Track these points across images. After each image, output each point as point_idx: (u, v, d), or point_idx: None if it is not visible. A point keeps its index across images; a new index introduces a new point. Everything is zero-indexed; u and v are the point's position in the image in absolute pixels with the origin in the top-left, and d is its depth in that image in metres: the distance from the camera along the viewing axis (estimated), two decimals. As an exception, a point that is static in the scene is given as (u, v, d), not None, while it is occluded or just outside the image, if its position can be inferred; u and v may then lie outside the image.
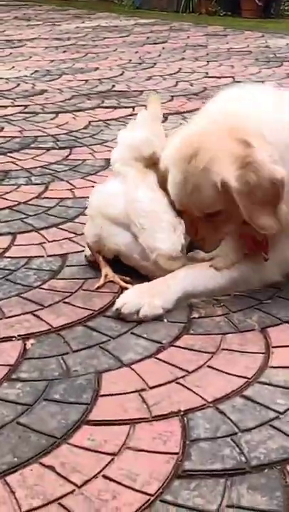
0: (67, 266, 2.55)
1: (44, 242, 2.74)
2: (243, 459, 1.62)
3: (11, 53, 7.09)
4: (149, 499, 1.50)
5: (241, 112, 2.30)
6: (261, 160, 2.17)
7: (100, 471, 1.58)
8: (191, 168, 2.23)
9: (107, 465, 1.60)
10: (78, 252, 2.63)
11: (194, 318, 2.23)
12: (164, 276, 2.31)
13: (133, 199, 2.39)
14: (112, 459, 1.62)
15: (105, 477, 1.56)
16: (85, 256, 2.55)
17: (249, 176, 2.16)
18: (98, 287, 2.38)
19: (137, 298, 2.22)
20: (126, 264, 2.45)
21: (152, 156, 2.44)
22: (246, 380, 1.91)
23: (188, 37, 8.38)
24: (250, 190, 2.17)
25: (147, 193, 2.39)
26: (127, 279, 2.40)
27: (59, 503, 1.49)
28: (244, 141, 2.19)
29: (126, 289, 2.33)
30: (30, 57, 6.88)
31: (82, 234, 2.59)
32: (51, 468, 1.59)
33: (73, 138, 4.14)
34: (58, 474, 1.57)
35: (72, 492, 1.52)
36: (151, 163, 2.44)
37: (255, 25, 9.46)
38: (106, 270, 2.42)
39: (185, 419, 1.75)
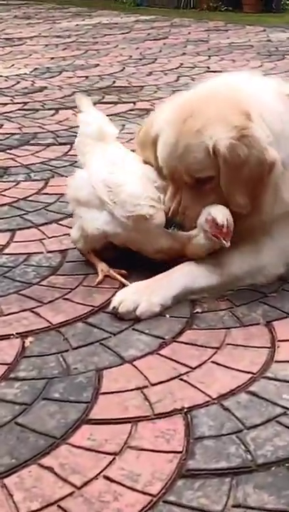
0: (67, 262, 2.50)
1: (44, 238, 2.69)
2: (249, 456, 1.56)
3: (10, 51, 7.04)
4: (151, 500, 1.44)
5: (245, 89, 2.26)
6: (258, 137, 2.12)
7: (101, 471, 1.53)
8: (185, 129, 2.18)
9: (107, 465, 1.54)
10: (78, 247, 2.58)
11: (197, 312, 2.17)
12: (161, 274, 2.24)
13: (96, 180, 2.37)
14: (113, 459, 1.56)
15: (106, 478, 1.51)
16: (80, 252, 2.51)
17: (241, 148, 2.10)
18: (98, 283, 2.32)
19: (134, 295, 2.15)
20: (120, 261, 2.40)
21: (101, 132, 2.51)
22: (251, 375, 1.85)
23: (189, 32, 8.32)
24: (238, 163, 2.11)
25: (105, 169, 2.38)
26: (123, 271, 2.35)
27: (58, 506, 1.44)
28: (245, 112, 2.15)
29: (123, 284, 2.29)
30: (30, 55, 6.83)
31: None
32: (50, 469, 1.54)
33: (73, 134, 4.03)
34: (57, 475, 1.52)
35: (71, 494, 1.46)
36: (108, 139, 2.51)
37: (257, 20, 9.39)
38: (101, 266, 2.37)
39: (189, 416, 1.70)
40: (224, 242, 2.16)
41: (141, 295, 2.14)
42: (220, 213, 2.17)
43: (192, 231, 2.24)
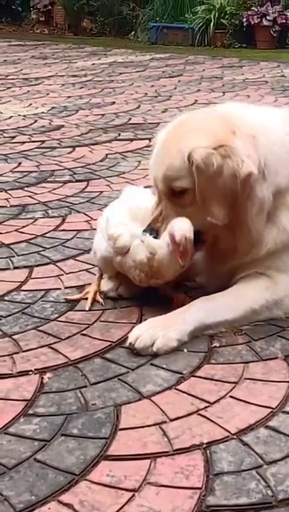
0: (85, 298, 2.51)
1: (61, 274, 2.71)
2: (270, 492, 1.55)
3: (28, 91, 7.13)
4: (171, 537, 1.43)
5: (248, 114, 2.31)
6: (235, 148, 2.13)
7: (120, 508, 1.52)
8: (171, 137, 2.24)
9: (127, 502, 1.53)
10: (96, 283, 2.59)
11: (215, 347, 2.17)
12: (177, 309, 2.25)
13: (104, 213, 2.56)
14: (133, 496, 1.55)
15: (126, 515, 1.50)
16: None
17: (216, 158, 2.11)
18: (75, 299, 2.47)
19: (150, 331, 2.14)
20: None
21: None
22: (271, 410, 1.84)
23: (203, 69, 8.42)
24: (212, 173, 2.12)
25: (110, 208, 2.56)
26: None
27: None
28: (233, 130, 2.17)
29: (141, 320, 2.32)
30: (47, 94, 6.92)
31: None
32: (70, 506, 1.53)
33: (90, 171, 4.13)
34: (77, 512, 1.51)
35: (91, 531, 1.46)
36: None
37: (271, 56, 9.49)
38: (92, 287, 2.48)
39: (208, 452, 1.69)
40: (179, 260, 2.16)
41: (157, 330, 2.14)
42: (179, 230, 2.15)
43: (158, 240, 2.24)
